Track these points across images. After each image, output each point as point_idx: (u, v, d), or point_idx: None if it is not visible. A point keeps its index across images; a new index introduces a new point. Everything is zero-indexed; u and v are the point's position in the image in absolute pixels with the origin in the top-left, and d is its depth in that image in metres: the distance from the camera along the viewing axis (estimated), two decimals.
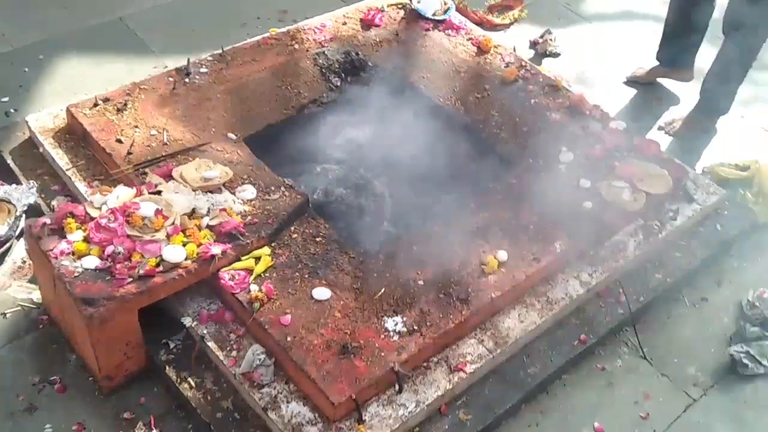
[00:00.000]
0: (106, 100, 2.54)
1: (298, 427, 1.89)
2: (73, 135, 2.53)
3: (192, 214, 2.10)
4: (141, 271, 1.90)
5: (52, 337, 2.20)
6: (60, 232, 1.97)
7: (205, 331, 2.04)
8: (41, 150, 2.55)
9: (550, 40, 3.76)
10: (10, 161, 2.54)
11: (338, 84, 2.96)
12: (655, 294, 2.54)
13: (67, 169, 2.42)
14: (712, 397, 2.37)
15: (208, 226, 2.08)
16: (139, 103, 2.56)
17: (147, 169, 2.30)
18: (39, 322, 2.24)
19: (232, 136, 2.57)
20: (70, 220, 1.97)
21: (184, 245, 1.99)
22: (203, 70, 2.77)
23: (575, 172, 2.62)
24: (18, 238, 2.36)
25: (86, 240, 1.95)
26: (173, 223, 2.02)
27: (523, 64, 3.11)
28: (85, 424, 2.02)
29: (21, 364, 2.14)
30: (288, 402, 1.93)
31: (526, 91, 2.96)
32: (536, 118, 2.83)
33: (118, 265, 1.90)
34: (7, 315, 2.24)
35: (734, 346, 2.50)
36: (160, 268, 1.94)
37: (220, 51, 2.85)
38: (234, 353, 2.01)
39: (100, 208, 2.03)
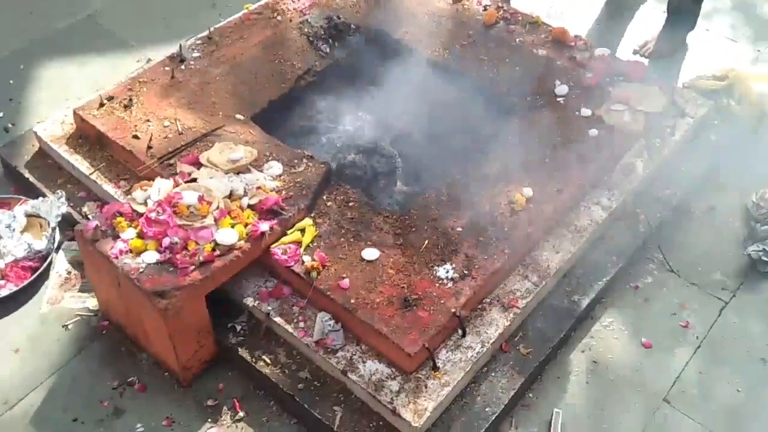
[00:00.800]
0: (110, 98, 2.52)
1: (379, 384, 1.96)
2: (85, 138, 2.50)
3: (230, 196, 2.12)
4: (201, 258, 1.93)
5: (118, 341, 2.22)
6: (112, 233, 1.98)
7: (269, 308, 2.09)
8: (56, 159, 2.51)
9: None
10: (28, 175, 2.50)
11: (327, 50, 2.98)
12: (668, 209, 2.68)
13: (90, 174, 2.40)
14: (742, 297, 2.53)
15: (249, 206, 2.11)
16: (144, 97, 2.54)
17: (172, 160, 2.30)
18: (100, 328, 2.25)
19: (239, 116, 2.58)
20: (119, 219, 1.98)
21: (232, 227, 2.01)
22: (196, 54, 2.75)
23: (574, 103, 2.71)
24: (56, 250, 2.34)
25: (140, 236, 1.96)
26: (218, 207, 2.04)
27: (500, 5, 3.17)
28: (173, 417, 2.06)
29: (95, 371, 2.16)
30: (364, 362, 2.00)
31: (509, 32, 3.02)
32: (525, 56, 2.90)
33: (178, 255, 1.92)
34: (69, 326, 2.24)
35: (750, 246, 2.66)
36: (217, 252, 1.97)
37: (207, 33, 2.83)
38: (302, 324, 2.07)
39: (144, 203, 2.03)
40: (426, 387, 1.97)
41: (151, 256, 1.93)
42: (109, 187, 2.37)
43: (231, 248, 1.98)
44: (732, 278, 2.61)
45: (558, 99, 2.73)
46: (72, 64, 3.19)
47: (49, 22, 3.41)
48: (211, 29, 2.83)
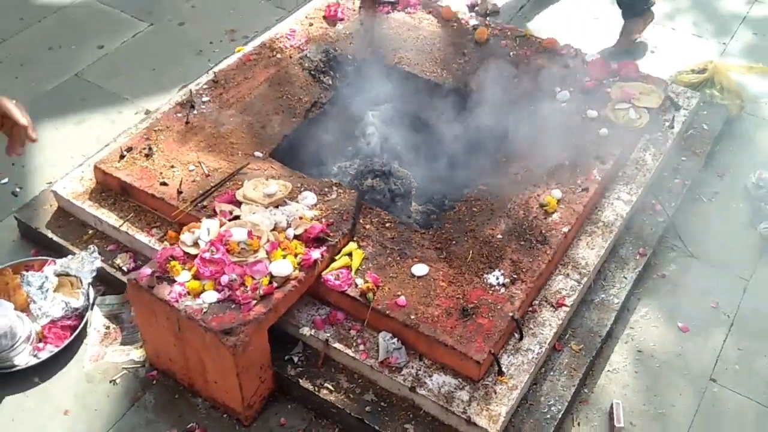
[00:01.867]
0: (129, 149, 2.51)
1: (449, 396, 1.98)
2: (108, 192, 2.48)
3: (274, 229, 2.13)
4: (261, 291, 1.93)
5: (171, 389, 2.18)
6: (166, 278, 1.96)
7: (326, 335, 2.09)
8: (79, 216, 2.49)
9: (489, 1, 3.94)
10: (51, 235, 2.46)
11: (330, 82, 3.03)
12: (679, 198, 2.79)
13: (119, 225, 2.38)
14: (761, 273, 2.64)
15: (295, 236, 2.12)
16: (163, 144, 2.54)
17: (205, 202, 2.30)
18: (150, 378, 2.21)
19: (258, 154, 2.60)
20: (173, 263, 1.96)
21: (284, 258, 2.02)
22: (205, 98, 2.77)
23: (578, 106, 2.82)
24: (91, 307, 2.30)
25: (196, 277, 1.95)
26: (268, 241, 2.05)
27: (487, 23, 3.28)
28: None
29: (153, 422, 2.11)
30: (430, 376, 2.02)
31: (502, 47, 3.13)
32: (522, 68, 3.00)
33: (238, 292, 1.92)
34: (117, 381, 2.19)
35: (761, 225, 2.78)
36: (275, 284, 1.97)
37: (212, 77, 2.86)
38: (362, 347, 2.07)
39: (194, 245, 2.03)
40: (495, 393, 1.99)
41: (211, 296, 1.92)
42: (141, 236, 2.35)
43: (287, 279, 1.99)
44: (748, 256, 2.72)
45: (562, 104, 2.83)
46: (69, 122, 3.16)
47: (37, 85, 3.39)
48: (216, 71, 2.86)
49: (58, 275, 2.32)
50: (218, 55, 3.59)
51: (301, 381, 2.08)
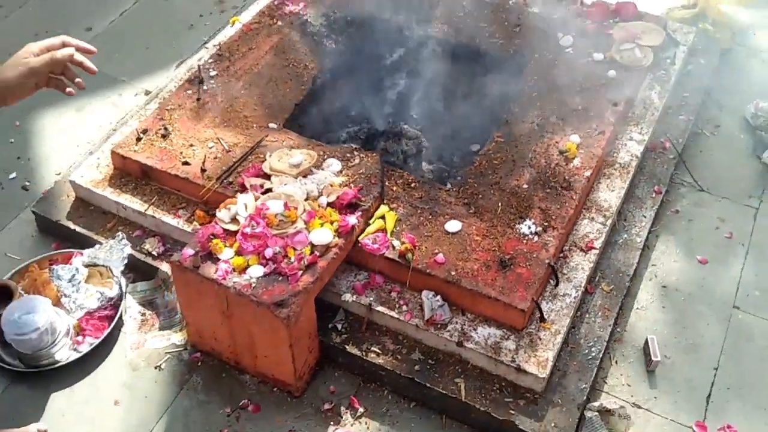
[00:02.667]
0: (145, 131, 2.48)
1: (496, 346, 2.04)
2: (129, 176, 2.46)
3: (307, 198, 2.14)
4: (306, 262, 1.95)
5: (217, 368, 2.21)
6: (209, 257, 1.97)
7: (369, 299, 2.13)
8: (100, 204, 2.47)
9: None
10: (73, 226, 2.44)
11: (333, 46, 3.01)
12: (685, 133, 2.84)
13: (145, 210, 2.37)
14: None
15: (328, 204, 2.14)
16: (178, 123, 2.52)
17: (230, 178, 2.30)
18: (194, 360, 2.23)
19: (273, 125, 2.59)
20: (216, 241, 1.97)
21: (321, 226, 2.04)
22: (213, 73, 2.73)
23: (583, 50, 2.84)
24: (124, 296, 2.30)
25: (238, 253, 1.97)
26: (304, 211, 2.06)
27: None
28: (295, 429, 2.07)
29: (204, 403, 2.14)
30: (475, 329, 2.07)
31: None
32: (522, 17, 3.00)
33: (283, 263, 1.94)
34: (162, 366, 2.21)
35: (765, 154, 2.86)
36: (317, 253, 1.99)
37: (216, 50, 2.82)
38: (405, 308, 2.12)
39: (232, 221, 2.04)
40: (540, 339, 2.06)
41: (257, 270, 1.94)
42: (168, 219, 2.35)
43: (328, 247, 2.01)
44: (755, 185, 2.81)
45: (567, 50, 2.85)
46: (69, 110, 3.11)
47: None
48: (220, 44, 2.82)
49: (87, 266, 2.31)
50: (210, 28, 3.54)
51: (347, 347, 2.12)
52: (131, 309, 2.33)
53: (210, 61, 2.79)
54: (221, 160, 2.39)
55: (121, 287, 2.29)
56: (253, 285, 1.91)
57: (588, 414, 2.04)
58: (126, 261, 2.29)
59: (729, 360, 2.28)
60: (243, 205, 2.05)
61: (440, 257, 2.11)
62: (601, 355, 2.15)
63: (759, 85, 3.20)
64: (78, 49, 1.56)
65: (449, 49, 3.00)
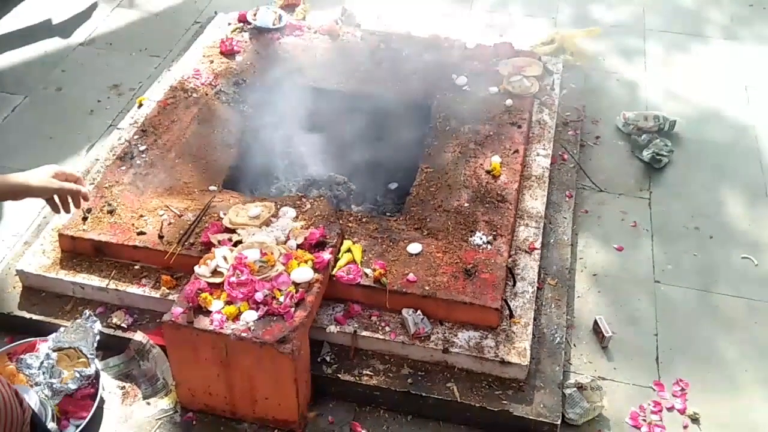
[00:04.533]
0: (89, 210, 2.48)
1: (478, 346, 2.21)
2: (80, 256, 2.43)
3: (277, 244, 2.24)
4: (295, 299, 2.04)
5: (213, 423, 2.19)
6: (199, 311, 2.01)
7: (353, 327, 2.24)
8: (54, 289, 2.41)
9: (351, 14, 4.23)
10: (29, 315, 2.36)
11: (250, 110, 3.16)
12: (576, 146, 3.25)
13: (107, 285, 2.35)
14: (655, 189, 3.17)
15: (298, 246, 2.25)
16: (122, 198, 2.54)
17: (191, 240, 2.35)
18: (188, 421, 2.20)
19: (213, 188, 2.67)
20: (204, 295, 2.02)
21: (298, 266, 2.15)
22: (142, 147, 2.78)
23: (478, 86, 3.18)
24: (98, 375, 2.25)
25: (229, 302, 2.02)
26: (280, 254, 2.16)
27: (371, 32, 3.57)
28: None
29: None
30: (455, 335, 2.24)
31: (393, 50, 3.43)
32: (418, 64, 3.32)
33: (273, 304, 2.02)
34: None
35: (643, 153, 3.32)
36: (302, 290, 2.09)
37: (140, 127, 2.88)
38: (387, 328, 2.25)
39: (214, 274, 2.09)
40: (514, 333, 2.26)
41: (252, 315, 2.00)
42: (133, 289, 2.34)
43: (310, 283, 2.12)
44: (642, 180, 3.24)
45: (464, 87, 3.18)
46: None
47: None
48: (145, 121, 2.88)
49: (56, 350, 2.24)
50: (112, 111, 3.57)
51: (340, 376, 2.21)
52: (109, 384, 2.28)
53: (136, 137, 2.83)
54: (176, 225, 2.43)
55: (96, 364, 2.24)
56: (252, 328, 1.97)
57: (567, 391, 2.25)
58: (98, 337, 2.25)
59: (664, 325, 2.60)
60: (222, 258, 2.11)
61: (411, 276, 2.28)
62: (564, 340, 2.39)
63: (620, 100, 3.72)
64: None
65: (358, 100, 3.24)
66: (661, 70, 3.94)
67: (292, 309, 2.03)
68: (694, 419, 2.31)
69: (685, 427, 2.30)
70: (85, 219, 2.45)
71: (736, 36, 4.22)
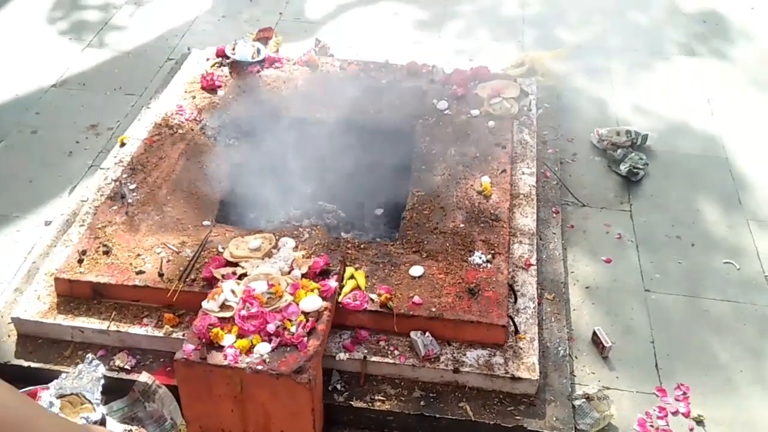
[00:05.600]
0: (84, 252, 2.44)
1: (488, 364, 2.24)
2: (77, 299, 2.38)
3: (281, 274, 2.25)
4: (307, 328, 2.05)
5: None
6: (210, 347, 2.00)
7: (362, 354, 2.24)
8: (52, 334, 2.36)
9: (325, 46, 4.29)
10: (27, 364, 2.30)
11: (236, 143, 3.16)
12: (556, 163, 3.33)
13: (107, 328, 2.31)
14: (634, 201, 3.28)
15: (303, 275, 2.26)
16: (116, 238, 2.51)
17: (192, 276, 2.34)
18: None
19: (206, 222, 2.67)
20: (215, 330, 2.00)
21: (306, 295, 2.16)
22: (132, 186, 2.76)
23: (459, 110, 3.26)
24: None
25: (241, 336, 2.01)
26: (287, 284, 2.16)
27: (349, 61, 3.62)
28: None
29: None
30: (464, 354, 2.27)
31: (373, 78, 3.48)
32: (398, 92, 3.38)
33: (286, 335, 2.02)
34: None
35: (620, 167, 3.42)
36: (312, 319, 2.10)
37: (129, 165, 2.86)
38: (396, 352, 2.26)
39: (222, 308, 2.08)
40: (521, 348, 2.30)
41: (265, 347, 1.99)
42: (135, 330, 2.31)
43: (319, 312, 2.12)
44: (621, 193, 3.34)
45: (445, 112, 3.25)
46: None
47: None
48: (132, 159, 2.86)
49: (59, 397, 2.19)
50: (92, 152, 3.53)
51: (352, 403, 2.21)
52: (116, 429, 2.23)
53: (125, 176, 2.81)
54: (174, 262, 2.41)
55: (101, 409, 2.19)
56: (267, 360, 1.97)
57: (576, 403, 2.29)
58: (102, 381, 2.21)
59: (659, 332, 2.67)
60: (230, 291, 2.10)
61: (417, 299, 2.30)
62: (567, 353, 2.43)
63: (591, 117, 3.83)
64: None
65: (341, 129, 3.27)
66: (627, 87, 4.08)
67: (305, 338, 2.03)
68: (699, 421, 2.37)
69: (691, 429, 2.36)
70: (80, 261, 2.41)
71: (694, 52, 4.40)
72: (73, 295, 2.40)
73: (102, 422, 2.19)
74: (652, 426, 2.34)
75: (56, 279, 2.38)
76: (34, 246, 2.85)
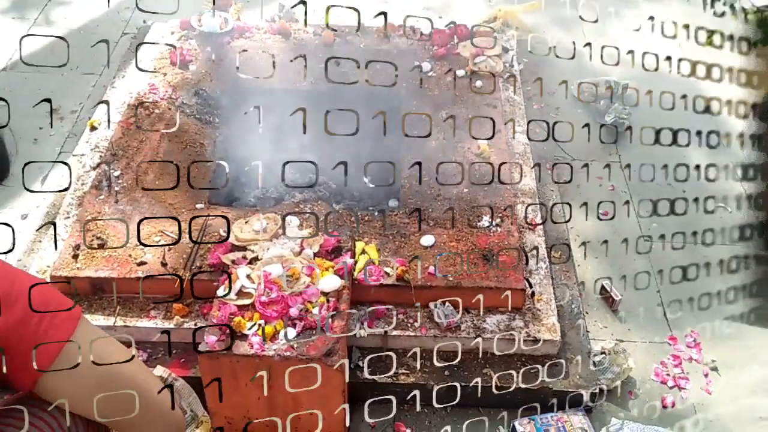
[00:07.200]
0: (77, 246, 2.31)
1: (508, 329, 2.22)
2: (78, 296, 2.26)
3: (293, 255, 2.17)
4: (330, 310, 1.98)
5: None
6: (232, 336, 1.92)
7: (383, 329, 2.20)
8: None
9: (288, 10, 4.13)
10: None
11: (216, 120, 3.03)
12: (542, 117, 3.30)
13: (114, 323, 2.20)
14: (623, 153, 3.29)
15: (315, 254, 2.18)
16: (109, 230, 2.38)
17: (198, 263, 2.24)
18: None
19: (200, 205, 2.56)
20: (237, 318, 1.92)
21: (322, 275, 2.09)
22: (116, 173, 2.62)
23: (443, 71, 3.18)
24: None
25: (265, 322, 1.94)
26: (303, 266, 2.09)
27: (322, 26, 3.49)
28: None
29: None
30: (484, 321, 2.24)
31: (350, 43, 3.37)
32: (377, 55, 3.28)
33: (309, 317, 1.95)
34: None
35: (605, 118, 3.42)
36: (333, 299, 2.03)
37: (110, 152, 2.70)
38: (416, 324, 2.22)
39: (240, 295, 2.00)
40: (539, 310, 2.29)
41: (290, 332, 1.92)
42: (143, 323, 2.21)
43: (339, 291, 2.06)
44: (609, 144, 3.34)
45: (429, 73, 3.17)
46: None
47: None
48: (114, 143, 2.70)
49: None
50: (59, 137, 3.34)
51: (377, 379, 2.17)
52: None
53: (106, 163, 2.66)
54: (176, 250, 2.30)
55: None
56: (295, 346, 1.90)
57: (596, 359, 2.30)
58: None
59: (663, 281, 2.70)
60: (245, 277, 2.02)
61: (431, 269, 2.25)
62: (581, 310, 2.44)
63: (567, 68, 3.79)
64: None
65: (325, 97, 3.16)
66: (600, 37, 4.05)
67: (330, 319, 1.96)
68: (713, 368, 2.41)
69: (706, 375, 2.40)
70: (75, 257, 2.27)
71: None
72: (72, 292, 2.27)
73: None
74: (668, 375, 2.37)
75: (53, 277, 2.24)
76: (14, 242, 2.68)
